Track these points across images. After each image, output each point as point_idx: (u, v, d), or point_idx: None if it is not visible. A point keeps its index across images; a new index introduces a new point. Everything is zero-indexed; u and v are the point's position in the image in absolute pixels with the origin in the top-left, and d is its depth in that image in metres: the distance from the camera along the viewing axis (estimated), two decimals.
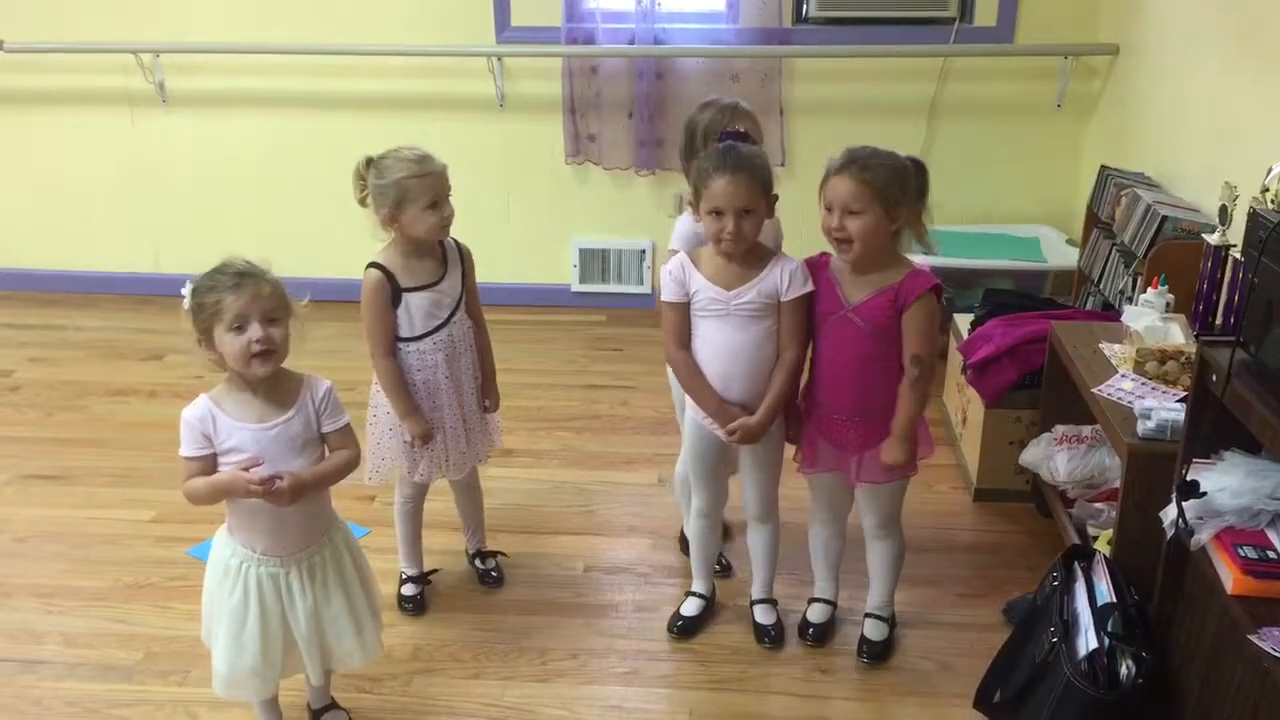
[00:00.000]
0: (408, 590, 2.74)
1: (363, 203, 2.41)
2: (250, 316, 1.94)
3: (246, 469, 1.94)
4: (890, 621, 2.59)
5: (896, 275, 2.27)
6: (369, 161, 2.40)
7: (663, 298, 2.38)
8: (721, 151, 2.27)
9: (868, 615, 2.59)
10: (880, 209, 2.19)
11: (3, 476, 3.38)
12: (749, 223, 2.25)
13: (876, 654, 2.54)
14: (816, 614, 2.63)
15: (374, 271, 2.43)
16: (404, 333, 2.47)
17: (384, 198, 2.36)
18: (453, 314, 2.50)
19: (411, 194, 2.35)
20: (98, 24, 4.52)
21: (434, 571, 2.81)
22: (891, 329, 2.28)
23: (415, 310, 2.45)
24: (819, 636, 2.60)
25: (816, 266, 2.35)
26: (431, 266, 2.48)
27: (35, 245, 4.96)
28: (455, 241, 2.54)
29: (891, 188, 2.20)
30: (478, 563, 2.84)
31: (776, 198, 2.33)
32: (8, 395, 3.96)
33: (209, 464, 2.00)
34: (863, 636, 2.57)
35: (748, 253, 2.32)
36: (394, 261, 2.44)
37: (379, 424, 2.56)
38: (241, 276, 1.94)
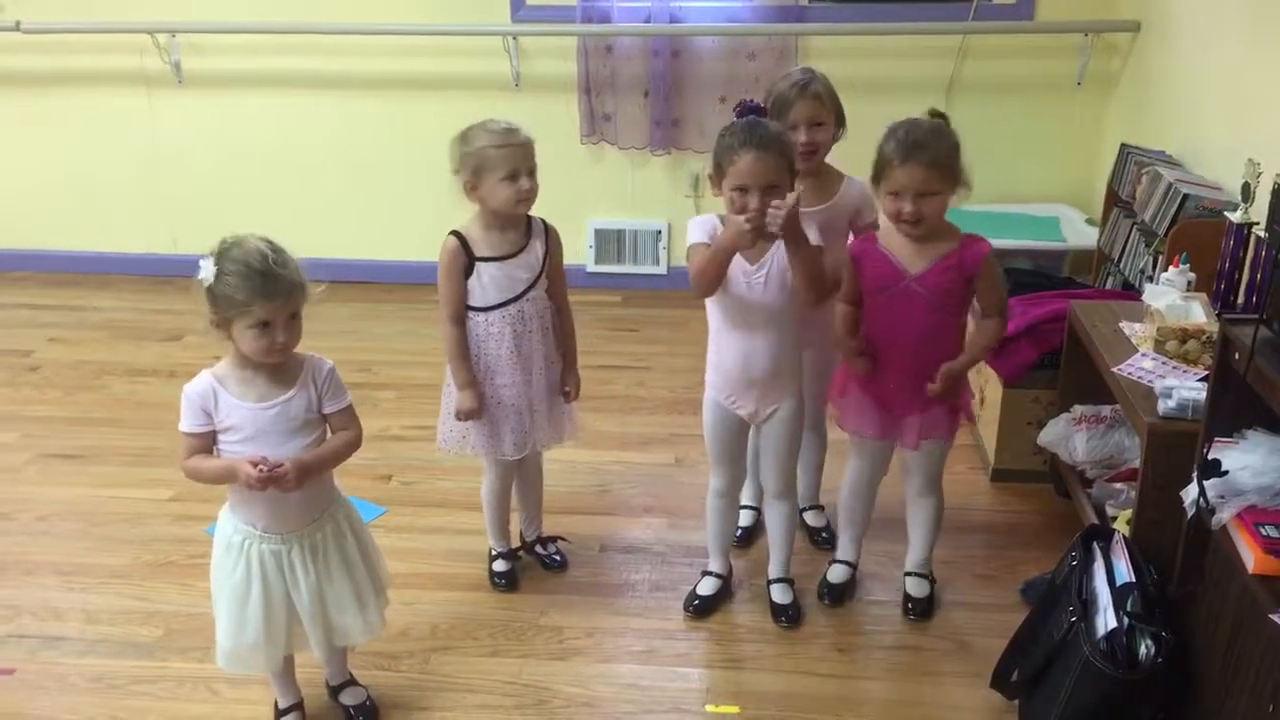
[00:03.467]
0: (499, 566, 2.75)
1: (456, 172, 2.41)
2: (277, 321, 1.93)
3: (255, 464, 1.93)
4: (930, 578, 2.61)
5: (951, 242, 2.29)
6: (463, 132, 2.40)
7: (691, 241, 2.33)
8: (747, 127, 2.21)
9: (909, 574, 2.61)
10: (949, 187, 2.23)
11: (24, 455, 3.41)
12: (773, 200, 2.24)
13: (922, 610, 2.56)
14: (836, 575, 2.64)
15: (451, 238, 2.44)
16: (475, 302, 2.46)
17: (465, 166, 2.37)
18: (527, 290, 2.48)
19: (490, 164, 2.35)
20: (113, 4, 4.52)
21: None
22: (955, 296, 2.31)
23: (488, 280, 2.44)
24: (836, 597, 2.61)
25: (866, 243, 2.35)
26: (513, 239, 2.47)
27: (53, 226, 4.97)
28: (543, 221, 2.53)
29: (955, 163, 2.23)
30: (539, 549, 2.83)
31: (798, 173, 2.33)
32: (28, 375, 3.99)
33: (208, 440, 2.01)
34: (906, 594, 2.59)
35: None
36: (473, 231, 2.45)
37: (451, 395, 2.55)
38: (266, 278, 1.90)
